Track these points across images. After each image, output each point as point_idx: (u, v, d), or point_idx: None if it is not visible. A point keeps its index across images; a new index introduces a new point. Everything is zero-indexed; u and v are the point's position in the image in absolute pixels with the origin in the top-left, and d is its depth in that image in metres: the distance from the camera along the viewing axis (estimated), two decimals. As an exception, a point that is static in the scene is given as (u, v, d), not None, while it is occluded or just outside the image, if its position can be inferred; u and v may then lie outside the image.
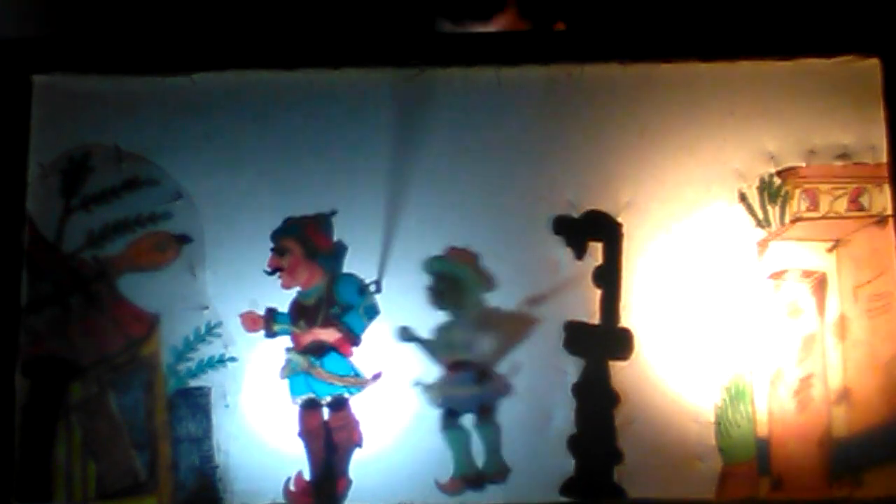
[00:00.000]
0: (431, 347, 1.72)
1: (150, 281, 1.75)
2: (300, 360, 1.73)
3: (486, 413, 1.71)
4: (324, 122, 1.78)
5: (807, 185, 1.76)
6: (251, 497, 1.71)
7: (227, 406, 1.73)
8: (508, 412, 1.72)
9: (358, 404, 1.72)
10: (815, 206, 1.76)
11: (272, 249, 1.74)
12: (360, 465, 1.71)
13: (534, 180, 1.76)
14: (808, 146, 1.76)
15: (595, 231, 1.75)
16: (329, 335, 1.73)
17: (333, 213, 1.75)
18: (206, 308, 1.74)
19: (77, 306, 1.75)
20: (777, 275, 1.74)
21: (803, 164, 1.76)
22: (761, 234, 1.75)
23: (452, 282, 1.73)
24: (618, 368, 1.72)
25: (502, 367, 1.71)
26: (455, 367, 1.72)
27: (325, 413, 1.72)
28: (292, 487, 1.70)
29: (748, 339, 1.73)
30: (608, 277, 1.74)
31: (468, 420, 1.71)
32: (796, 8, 1.84)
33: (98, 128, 1.79)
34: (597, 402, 1.71)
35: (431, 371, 1.72)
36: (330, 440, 1.71)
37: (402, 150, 1.77)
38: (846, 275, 1.74)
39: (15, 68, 1.79)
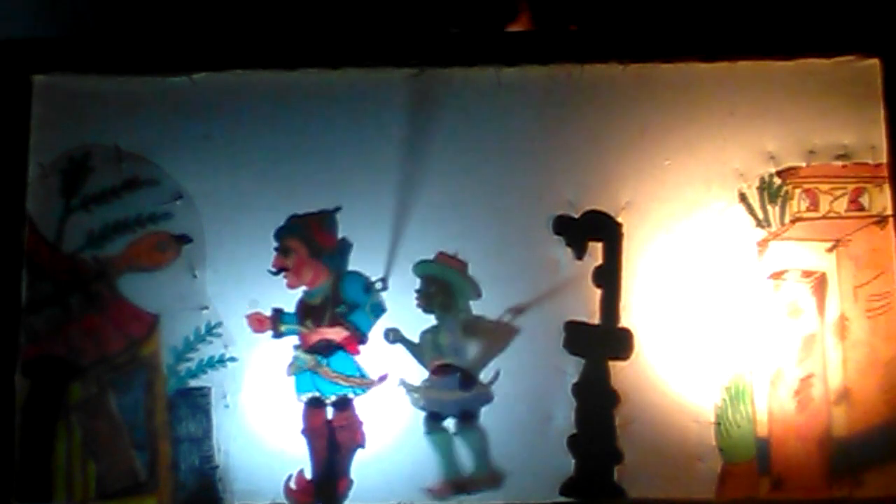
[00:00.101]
0: (418, 350, 1.73)
1: (150, 281, 1.75)
2: (307, 359, 1.73)
3: (467, 419, 1.71)
4: (324, 122, 1.78)
5: (807, 185, 1.76)
6: (251, 497, 1.71)
7: (227, 406, 1.73)
8: (508, 412, 1.72)
9: (360, 404, 1.73)
10: (815, 206, 1.76)
11: (276, 249, 1.74)
12: (360, 466, 1.72)
13: (534, 180, 1.76)
14: (808, 146, 1.76)
15: (595, 231, 1.75)
16: (336, 334, 1.73)
17: (337, 209, 1.75)
18: (206, 308, 1.74)
19: (77, 306, 1.75)
20: (777, 275, 1.74)
21: (803, 164, 1.76)
22: (761, 234, 1.75)
23: (443, 285, 1.73)
24: (618, 368, 1.72)
25: (485, 375, 1.72)
26: (440, 370, 1.72)
27: (329, 412, 1.72)
28: (293, 485, 1.70)
29: (748, 339, 1.73)
30: (608, 277, 1.74)
31: (451, 424, 1.72)
32: (796, 8, 1.84)
33: (98, 128, 1.79)
34: (597, 402, 1.71)
35: (418, 373, 1.73)
36: (333, 439, 1.71)
37: (402, 149, 1.77)
38: (846, 275, 1.74)
39: (15, 68, 1.79)
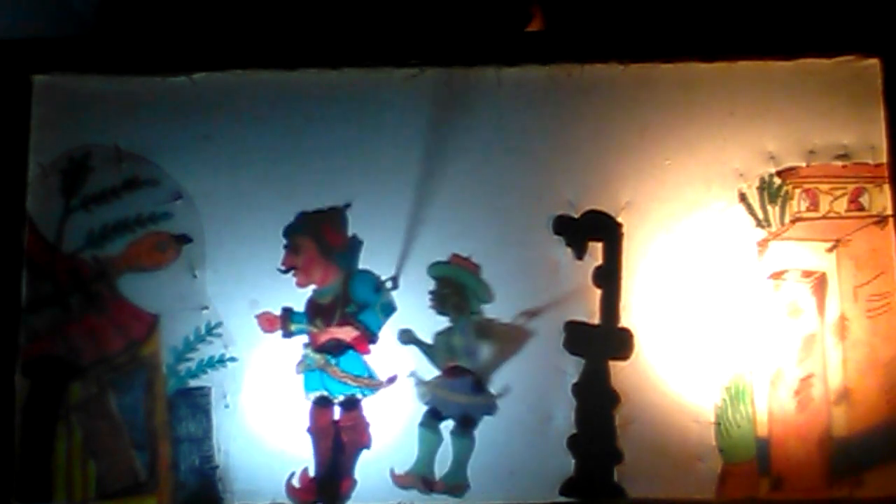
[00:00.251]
0: (431, 351, 1.73)
1: (150, 281, 1.75)
2: (316, 358, 1.73)
3: (466, 425, 1.71)
4: (323, 122, 1.78)
5: (807, 185, 1.76)
6: (251, 497, 1.71)
7: (227, 406, 1.73)
8: (508, 412, 1.72)
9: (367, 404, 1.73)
10: (815, 206, 1.76)
11: (285, 247, 1.74)
12: (363, 465, 1.72)
13: (534, 180, 1.76)
14: (808, 146, 1.76)
15: (595, 231, 1.75)
16: (346, 333, 1.73)
17: (347, 205, 1.75)
18: (206, 308, 1.74)
19: (77, 306, 1.75)
20: (777, 275, 1.74)
21: (803, 164, 1.76)
22: (761, 234, 1.75)
23: (457, 287, 1.73)
24: (618, 368, 1.72)
25: (495, 385, 1.72)
26: (452, 372, 1.72)
27: (336, 412, 1.72)
28: (296, 483, 1.70)
29: (748, 339, 1.73)
30: (608, 277, 1.74)
31: (447, 427, 1.72)
32: (796, 8, 1.84)
33: (98, 128, 1.79)
34: (597, 402, 1.71)
35: (430, 370, 1.73)
36: (338, 439, 1.71)
37: (402, 149, 1.77)
38: (846, 275, 1.74)
39: (15, 68, 1.79)
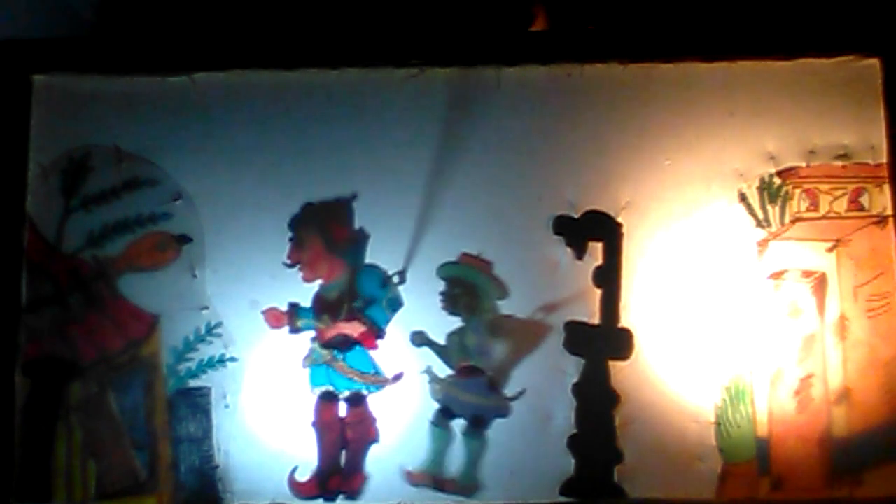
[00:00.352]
0: (444, 352, 1.73)
1: (150, 281, 1.76)
2: (323, 353, 1.73)
3: (478, 425, 1.71)
4: (323, 122, 1.78)
5: (807, 185, 1.76)
6: (251, 497, 1.71)
7: (227, 406, 1.73)
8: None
9: (374, 399, 1.73)
10: (815, 206, 1.76)
11: (291, 240, 1.74)
12: (374, 462, 1.73)
13: (534, 180, 1.76)
14: (808, 146, 1.76)
15: (595, 231, 1.75)
16: (353, 329, 1.73)
17: (354, 197, 1.75)
18: (206, 308, 1.74)
19: (77, 306, 1.75)
20: (777, 275, 1.74)
21: (803, 164, 1.76)
22: (761, 234, 1.75)
23: (467, 286, 1.73)
24: (618, 368, 1.72)
25: (509, 387, 1.72)
26: (465, 371, 1.72)
27: (341, 407, 1.72)
28: (297, 478, 1.70)
29: (748, 339, 1.73)
30: (608, 277, 1.74)
31: (458, 425, 1.72)
32: (796, 8, 1.84)
33: (98, 128, 1.79)
34: (597, 402, 1.71)
35: (444, 369, 1.73)
36: (344, 436, 1.71)
37: (402, 150, 1.77)
38: (846, 275, 1.74)
39: (15, 68, 1.79)
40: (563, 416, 1.71)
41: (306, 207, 1.75)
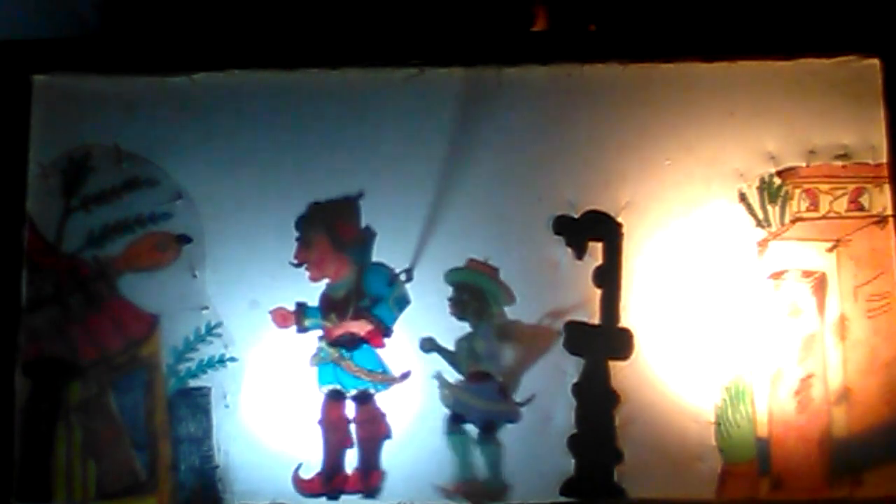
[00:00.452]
0: (454, 358, 1.72)
1: (150, 281, 1.75)
2: (331, 351, 1.73)
3: (489, 430, 1.71)
4: (323, 122, 1.78)
5: (807, 185, 1.76)
6: (251, 497, 1.71)
7: (227, 406, 1.73)
8: (508, 412, 1.73)
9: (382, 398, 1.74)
10: (815, 206, 1.76)
11: (297, 240, 1.74)
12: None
13: (534, 180, 1.76)
14: (808, 146, 1.76)
15: (595, 231, 1.75)
16: (360, 327, 1.73)
17: (360, 195, 1.75)
18: (206, 308, 1.74)
19: (77, 306, 1.75)
20: (777, 275, 1.74)
21: (803, 164, 1.76)
22: (761, 234, 1.75)
23: (475, 292, 1.73)
24: (618, 368, 1.72)
25: (520, 392, 1.71)
26: (475, 377, 1.72)
27: (349, 406, 1.72)
28: (302, 475, 1.70)
29: (748, 339, 1.73)
30: (608, 277, 1.74)
31: (471, 430, 1.72)
32: (796, 8, 1.83)
33: (98, 128, 1.79)
34: (597, 402, 1.71)
35: (453, 374, 1.73)
36: (356, 435, 1.71)
37: (402, 150, 1.77)
38: (846, 275, 1.74)
39: (15, 68, 1.79)
40: (563, 416, 1.71)
41: (313, 206, 1.75)
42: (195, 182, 1.77)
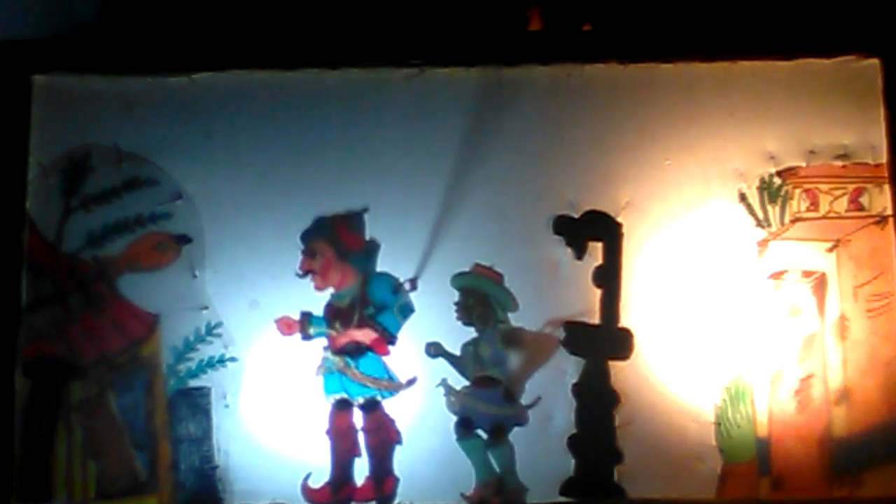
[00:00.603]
0: (460, 362, 1.72)
1: (150, 281, 1.76)
2: (335, 360, 1.73)
3: (498, 433, 1.71)
4: (323, 122, 1.78)
5: (807, 185, 1.76)
6: (251, 497, 1.71)
7: (226, 406, 1.73)
8: (508, 412, 1.73)
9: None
10: (815, 206, 1.76)
11: (302, 251, 1.74)
12: (363, 468, 1.73)
13: (534, 180, 1.76)
14: (808, 146, 1.76)
15: (595, 231, 1.75)
16: (365, 336, 1.73)
17: (365, 210, 1.75)
18: (206, 308, 1.74)
19: (77, 306, 1.75)
20: (777, 275, 1.74)
21: (803, 164, 1.76)
22: (761, 234, 1.75)
23: (481, 297, 1.73)
24: (618, 368, 1.72)
25: (525, 396, 1.71)
26: (481, 382, 1.72)
27: (357, 415, 1.72)
28: (311, 484, 1.70)
29: (748, 339, 1.73)
30: (608, 277, 1.74)
31: (481, 434, 1.72)
32: (796, 8, 1.83)
33: (98, 128, 1.79)
34: (597, 402, 1.71)
35: (460, 379, 1.73)
36: (365, 443, 1.71)
37: (401, 149, 1.77)
38: (846, 275, 1.74)
39: (15, 68, 1.79)
40: (563, 416, 1.71)
41: (317, 220, 1.75)
42: (195, 182, 1.77)
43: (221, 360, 1.73)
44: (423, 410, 1.72)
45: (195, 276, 1.75)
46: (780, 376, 1.72)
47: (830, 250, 1.74)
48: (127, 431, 1.72)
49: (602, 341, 1.72)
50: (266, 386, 1.73)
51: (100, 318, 1.75)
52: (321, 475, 1.71)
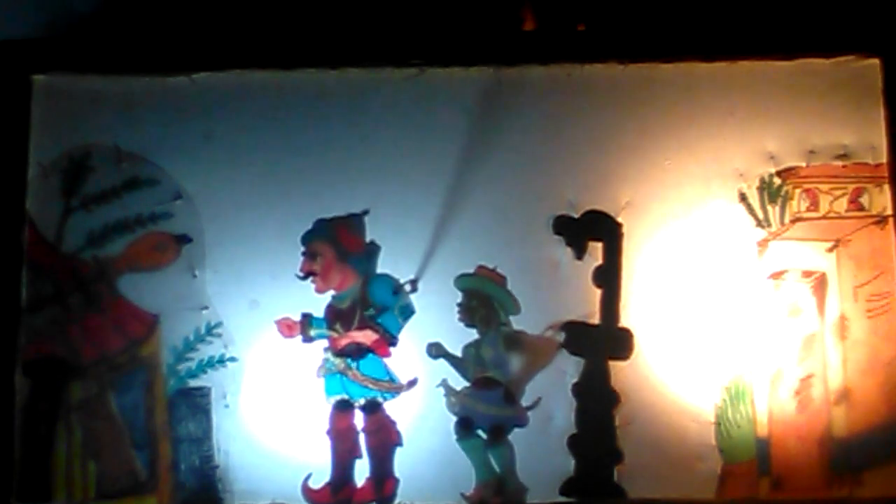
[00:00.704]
0: (461, 364, 1.72)
1: (150, 281, 1.75)
2: (337, 361, 1.73)
3: (498, 434, 1.71)
4: (323, 122, 1.78)
5: (807, 185, 1.76)
6: (251, 497, 1.71)
7: (226, 406, 1.73)
8: (508, 412, 1.72)
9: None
10: (815, 206, 1.76)
11: (303, 253, 1.74)
12: (363, 469, 1.73)
13: (534, 180, 1.76)
14: (808, 146, 1.76)
15: (595, 231, 1.75)
16: (365, 337, 1.73)
17: (365, 212, 1.75)
18: (206, 308, 1.74)
19: (77, 306, 1.75)
20: (777, 275, 1.74)
21: (803, 164, 1.76)
22: (761, 234, 1.75)
23: (483, 298, 1.73)
24: (618, 368, 1.72)
25: (526, 397, 1.71)
26: (482, 383, 1.72)
27: (357, 416, 1.72)
28: (311, 485, 1.70)
29: (748, 339, 1.73)
30: (608, 277, 1.74)
31: (481, 434, 1.72)
32: (796, 8, 1.83)
33: (98, 128, 1.79)
34: (597, 402, 1.71)
35: (460, 380, 1.73)
36: (366, 444, 1.71)
37: (401, 149, 1.77)
38: (846, 275, 1.74)
39: (15, 68, 1.79)
40: (563, 416, 1.71)
41: (318, 222, 1.75)
42: (195, 182, 1.77)
43: (221, 360, 1.73)
44: (423, 411, 1.72)
45: (195, 276, 1.75)
46: (780, 376, 1.72)
47: (830, 250, 1.74)
48: (127, 431, 1.72)
49: (602, 341, 1.72)
50: (266, 386, 1.73)
51: (100, 318, 1.75)
52: (321, 476, 1.71)
